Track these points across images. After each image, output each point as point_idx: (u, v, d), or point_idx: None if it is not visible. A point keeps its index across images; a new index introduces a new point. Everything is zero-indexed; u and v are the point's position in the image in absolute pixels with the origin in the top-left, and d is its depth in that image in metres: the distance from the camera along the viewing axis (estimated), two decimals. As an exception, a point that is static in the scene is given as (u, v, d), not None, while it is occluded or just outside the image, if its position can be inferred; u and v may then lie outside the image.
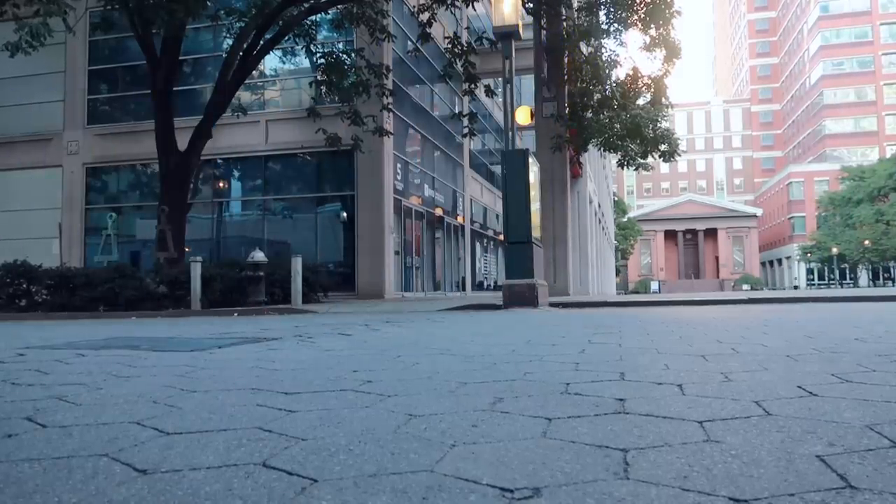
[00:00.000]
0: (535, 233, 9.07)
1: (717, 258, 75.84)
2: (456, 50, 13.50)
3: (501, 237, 13.49)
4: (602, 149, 16.49)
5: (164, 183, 11.95)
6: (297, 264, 10.30)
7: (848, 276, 64.07)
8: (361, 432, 1.27)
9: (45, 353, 3.18)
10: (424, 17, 13.30)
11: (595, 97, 14.65)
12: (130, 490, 0.94)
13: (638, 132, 14.50)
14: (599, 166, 33.74)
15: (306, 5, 12.28)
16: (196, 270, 9.83)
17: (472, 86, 13.61)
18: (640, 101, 15.01)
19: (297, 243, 15.35)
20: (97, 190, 18.11)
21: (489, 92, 14.12)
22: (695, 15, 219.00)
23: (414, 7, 15.52)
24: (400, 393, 1.74)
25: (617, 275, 56.33)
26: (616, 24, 13.68)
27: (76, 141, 17.57)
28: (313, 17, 13.45)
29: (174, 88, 12.50)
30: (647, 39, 13.37)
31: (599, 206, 31.93)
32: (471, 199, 24.60)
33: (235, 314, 8.68)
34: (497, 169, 25.03)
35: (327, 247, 16.29)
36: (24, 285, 10.70)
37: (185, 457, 1.11)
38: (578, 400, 1.58)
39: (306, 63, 15.96)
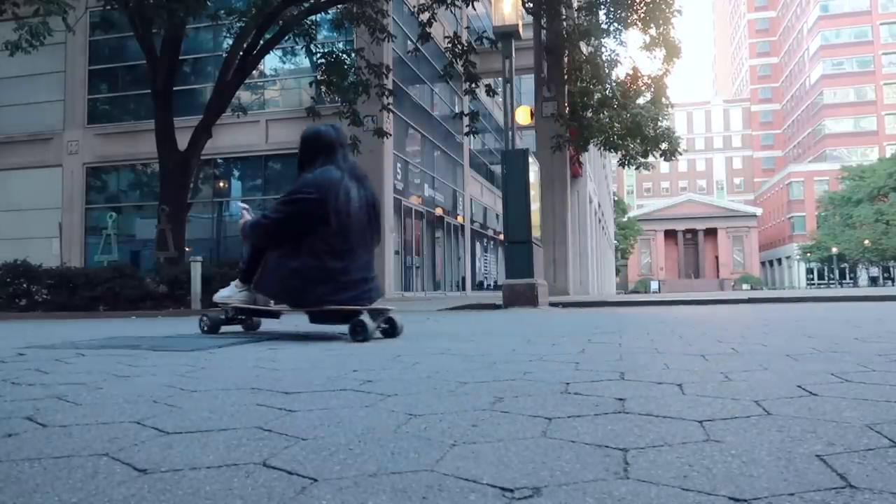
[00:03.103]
0: (535, 233, 9.06)
1: (716, 258, 75.85)
2: (456, 50, 13.48)
3: (501, 237, 13.47)
4: (602, 148, 16.48)
5: (165, 182, 11.95)
6: (297, 264, 10.28)
7: (848, 276, 64.09)
8: (361, 432, 1.27)
9: (45, 352, 3.18)
10: (424, 16, 13.28)
11: (595, 97, 14.64)
12: (131, 489, 0.94)
13: (638, 131, 14.50)
14: (599, 166, 33.72)
15: (306, 5, 12.27)
16: (196, 270, 9.82)
17: (474, 85, 13.60)
18: (641, 101, 15.00)
19: (297, 243, 15.33)
20: (97, 190, 18.11)
21: (490, 91, 14.10)
22: (695, 15, 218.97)
23: (414, 7, 15.51)
24: (400, 392, 1.74)
25: (617, 274, 56.34)
26: (616, 24, 13.68)
27: (76, 141, 17.57)
28: (313, 17, 13.44)
29: (174, 88, 12.49)
30: (647, 39, 13.37)
31: (599, 205, 31.91)
32: (471, 199, 24.60)
33: (235, 314, 8.66)
34: (497, 169, 25.02)
35: (327, 246, 16.27)
36: (25, 285, 10.70)
37: (186, 456, 1.11)
38: (578, 399, 1.58)
39: (306, 63, 15.96)
